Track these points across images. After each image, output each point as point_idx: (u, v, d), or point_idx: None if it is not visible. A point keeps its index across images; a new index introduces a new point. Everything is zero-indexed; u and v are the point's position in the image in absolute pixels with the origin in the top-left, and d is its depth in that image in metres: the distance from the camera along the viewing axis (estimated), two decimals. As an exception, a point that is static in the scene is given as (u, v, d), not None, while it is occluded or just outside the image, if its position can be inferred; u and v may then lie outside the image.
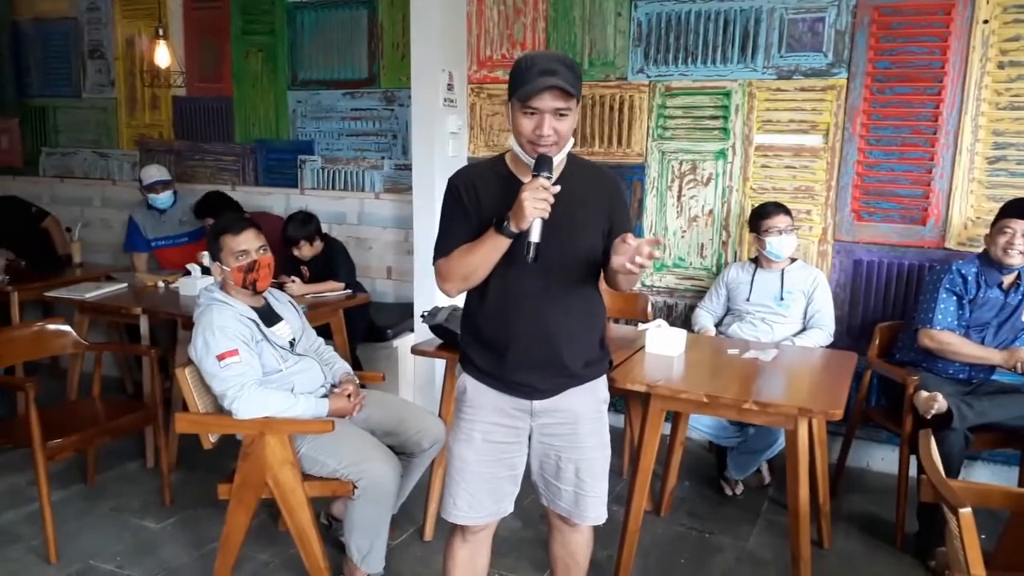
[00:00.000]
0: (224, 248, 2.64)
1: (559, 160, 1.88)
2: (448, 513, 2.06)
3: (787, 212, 3.45)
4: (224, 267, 2.64)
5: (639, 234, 4.04)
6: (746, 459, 3.35)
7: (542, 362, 1.95)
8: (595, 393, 2.07)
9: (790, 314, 3.43)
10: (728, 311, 3.63)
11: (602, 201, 1.96)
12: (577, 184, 1.92)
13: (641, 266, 1.70)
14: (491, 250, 1.84)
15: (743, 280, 3.54)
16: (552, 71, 1.75)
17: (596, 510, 2.08)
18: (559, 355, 1.96)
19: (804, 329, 3.44)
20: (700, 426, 3.39)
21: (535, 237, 1.77)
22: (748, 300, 3.49)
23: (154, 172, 4.60)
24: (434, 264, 1.96)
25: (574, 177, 1.93)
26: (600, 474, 2.08)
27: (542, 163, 1.79)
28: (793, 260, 3.54)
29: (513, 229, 1.78)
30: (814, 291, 3.44)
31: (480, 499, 2.03)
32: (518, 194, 1.76)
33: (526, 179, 1.82)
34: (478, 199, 1.91)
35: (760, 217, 3.46)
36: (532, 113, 1.79)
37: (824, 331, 3.41)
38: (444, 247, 1.94)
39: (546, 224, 1.78)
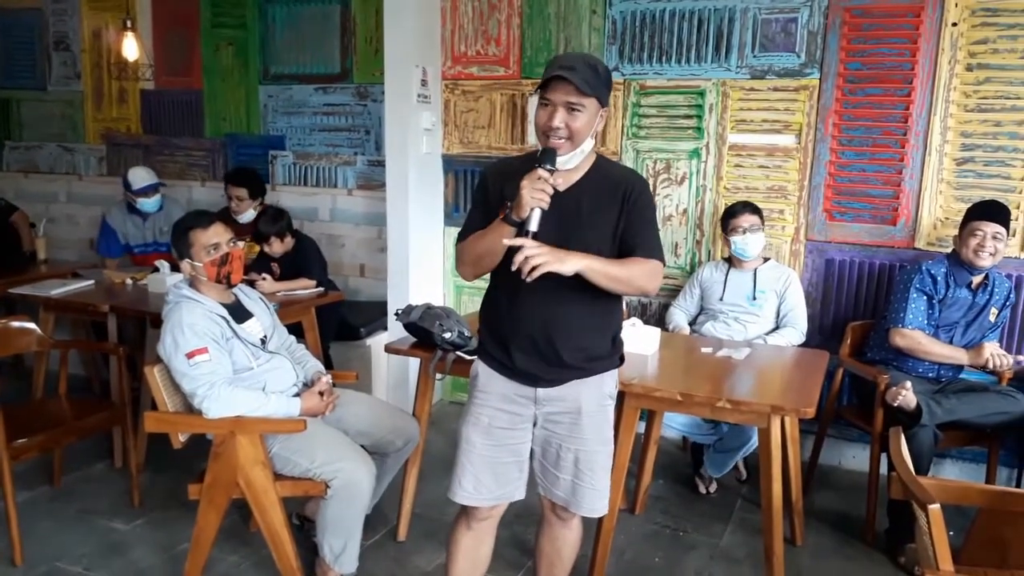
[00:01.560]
0: (195, 244, 2.59)
1: (578, 160, 1.93)
2: (454, 494, 2.10)
3: (755, 211, 3.46)
4: (195, 263, 2.60)
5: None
6: (722, 457, 3.36)
7: (541, 353, 2.00)
8: (600, 387, 2.09)
9: (763, 313, 3.45)
10: (702, 310, 3.64)
11: (617, 202, 1.97)
12: (596, 183, 1.98)
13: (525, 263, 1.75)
14: (497, 237, 1.88)
15: (716, 279, 3.55)
16: (571, 67, 1.84)
17: (593, 502, 2.11)
18: (556, 347, 1.99)
19: (777, 328, 3.47)
20: (675, 424, 3.40)
21: (532, 227, 1.82)
22: (721, 300, 3.51)
23: (143, 175, 4.44)
24: (455, 248, 2.10)
25: (596, 177, 1.99)
26: (600, 468, 2.10)
27: (545, 155, 1.85)
28: (766, 259, 3.56)
29: (514, 218, 1.83)
30: (786, 290, 3.47)
31: (485, 481, 2.07)
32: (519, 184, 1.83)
33: None
34: (501, 191, 1.96)
35: (727, 216, 3.49)
36: (546, 104, 1.86)
37: (796, 330, 3.43)
38: (463, 232, 2.05)
39: (554, 218, 1.85)
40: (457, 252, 2.08)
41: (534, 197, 1.79)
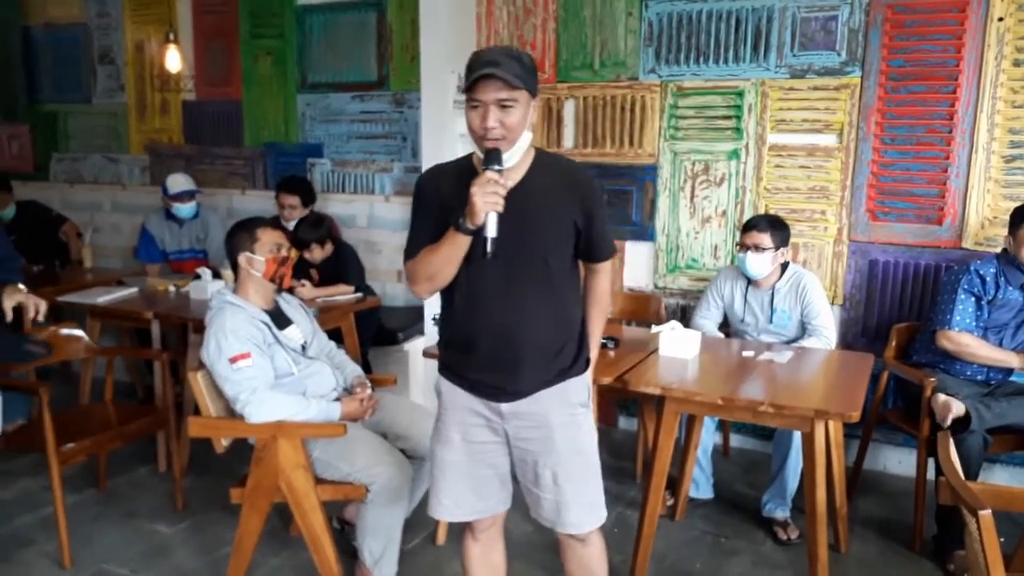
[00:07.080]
0: (261, 239, 2.68)
1: (519, 156, 1.85)
2: (433, 510, 2.06)
3: (773, 228, 3.20)
4: (256, 257, 2.65)
5: (652, 235, 4.02)
6: (777, 493, 3.14)
7: (504, 362, 1.91)
8: (565, 395, 1.98)
9: (786, 331, 3.29)
10: (725, 319, 3.51)
11: (571, 199, 1.90)
12: (543, 180, 1.89)
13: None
14: (452, 249, 1.82)
15: (737, 298, 3.39)
16: (494, 62, 1.73)
17: (580, 517, 2.00)
18: (520, 355, 1.90)
19: (801, 336, 3.28)
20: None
21: (491, 232, 1.75)
22: (742, 321, 3.38)
23: (181, 181, 4.55)
24: (404, 266, 1.96)
25: (542, 173, 1.90)
26: (580, 479, 1.99)
27: (491, 156, 1.77)
28: (785, 266, 3.32)
29: (468, 226, 1.76)
30: (805, 296, 3.24)
31: (463, 496, 2.02)
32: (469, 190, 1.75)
33: None
34: (440, 198, 1.87)
35: (743, 228, 3.30)
36: (476, 106, 1.77)
37: (822, 338, 3.19)
38: (412, 248, 1.93)
39: (506, 219, 1.76)
40: (408, 271, 1.93)
41: (487, 201, 1.72)
